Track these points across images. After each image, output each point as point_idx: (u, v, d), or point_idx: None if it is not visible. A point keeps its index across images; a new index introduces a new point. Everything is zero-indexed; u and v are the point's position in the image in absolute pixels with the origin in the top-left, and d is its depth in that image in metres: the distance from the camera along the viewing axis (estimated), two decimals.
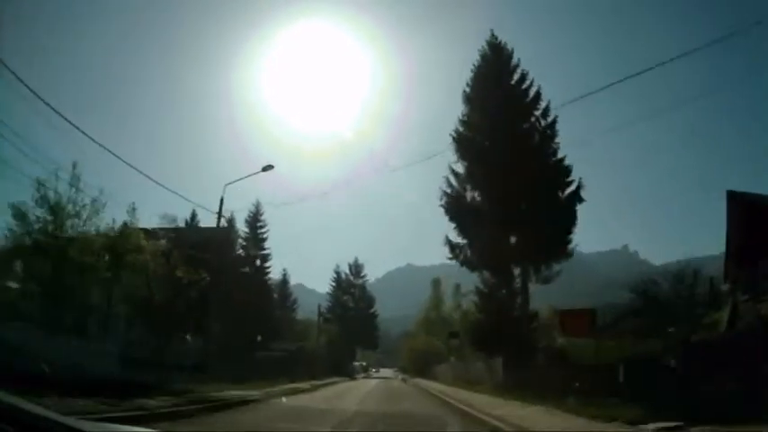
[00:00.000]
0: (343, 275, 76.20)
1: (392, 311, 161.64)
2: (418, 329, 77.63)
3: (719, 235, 19.04)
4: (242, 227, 59.06)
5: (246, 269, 55.70)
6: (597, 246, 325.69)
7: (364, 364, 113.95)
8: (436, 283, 79.64)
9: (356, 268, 77.61)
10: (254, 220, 59.43)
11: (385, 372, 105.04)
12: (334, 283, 75.69)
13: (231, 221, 60.18)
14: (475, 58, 27.52)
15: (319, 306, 54.88)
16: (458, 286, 77.26)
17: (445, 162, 26.82)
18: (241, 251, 57.84)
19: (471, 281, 73.93)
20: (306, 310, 70.83)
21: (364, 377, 72.85)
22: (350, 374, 61.30)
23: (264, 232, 59.74)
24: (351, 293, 75.43)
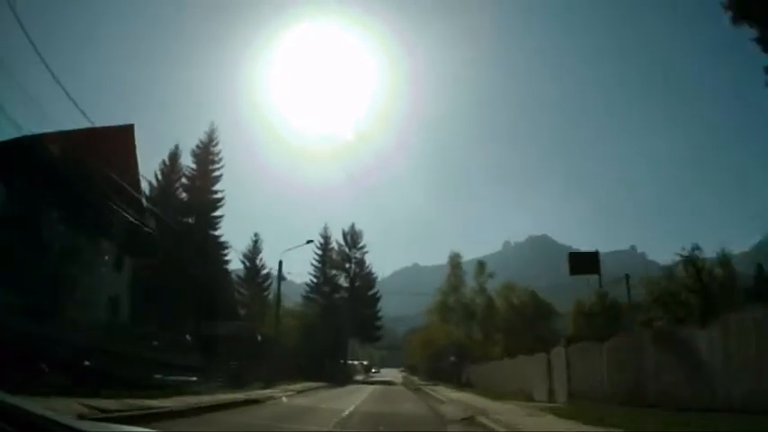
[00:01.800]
0: (335, 245, 57.83)
1: (398, 311, 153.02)
2: (432, 318, 59.65)
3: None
4: (188, 163, 41.99)
5: (190, 219, 38.65)
6: (604, 246, 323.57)
7: (365, 363, 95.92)
8: (455, 260, 61.75)
9: (352, 237, 58.59)
10: (205, 153, 41.97)
11: (388, 373, 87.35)
12: (319, 252, 56.42)
13: (175, 156, 43.17)
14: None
15: (280, 263, 34.40)
16: (481, 264, 59.74)
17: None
18: (185, 195, 40.68)
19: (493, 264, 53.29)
20: None
21: (363, 380, 55.16)
22: (336, 378, 42.87)
23: (218, 169, 42.14)
24: (345, 269, 57.06)
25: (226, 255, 41.08)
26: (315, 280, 54.35)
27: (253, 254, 51.06)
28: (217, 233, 41.02)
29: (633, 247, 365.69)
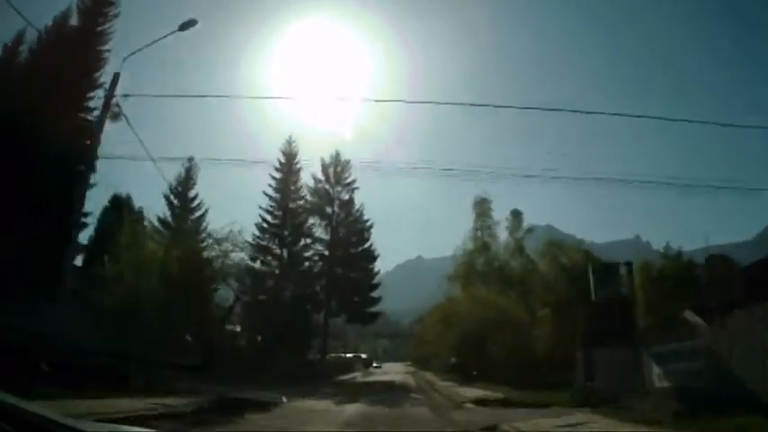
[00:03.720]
0: (310, 180, 38.10)
1: (402, 304, 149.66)
2: (453, 287, 41.38)
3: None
4: None
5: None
6: (608, 235, 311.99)
7: (364, 356, 77.71)
8: (482, 206, 42.87)
9: (335, 169, 38.90)
10: (97, 5, 23.59)
11: (391, 369, 68.56)
12: (277, 176, 35.77)
13: (66, 17, 25.40)
14: None
15: (115, 77, 14.78)
16: (516, 214, 42.56)
17: None
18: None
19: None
20: None
21: (354, 380, 36.73)
22: (293, 380, 23.58)
23: (109, 20, 23.97)
24: (324, 214, 37.87)
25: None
26: (268, 219, 34.87)
27: (184, 187, 32.49)
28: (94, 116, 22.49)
29: (638, 237, 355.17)
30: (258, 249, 33.21)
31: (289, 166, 35.56)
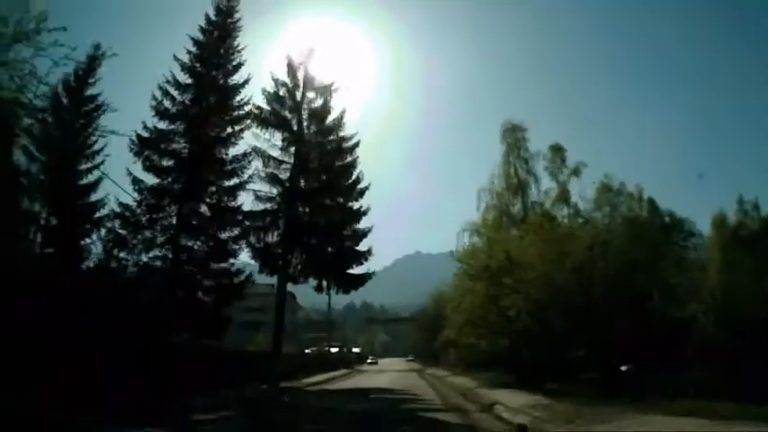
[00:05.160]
0: (270, 83, 24.27)
1: (400, 300, 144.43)
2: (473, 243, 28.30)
3: None
4: None
5: None
6: None
7: (357, 350, 67.39)
8: (513, 135, 32.37)
9: (306, 69, 24.91)
10: None
11: (391, 365, 56.53)
12: (200, 37, 20.79)
13: None
14: None
15: None
16: (558, 150, 31.13)
17: None
18: None
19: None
20: None
21: (339, 380, 23.69)
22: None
23: None
24: (288, 127, 23.70)
25: None
26: (175, 94, 20.31)
27: (82, 79, 19.68)
28: None
29: None
30: (147, 144, 19.28)
31: (222, 26, 21.48)
